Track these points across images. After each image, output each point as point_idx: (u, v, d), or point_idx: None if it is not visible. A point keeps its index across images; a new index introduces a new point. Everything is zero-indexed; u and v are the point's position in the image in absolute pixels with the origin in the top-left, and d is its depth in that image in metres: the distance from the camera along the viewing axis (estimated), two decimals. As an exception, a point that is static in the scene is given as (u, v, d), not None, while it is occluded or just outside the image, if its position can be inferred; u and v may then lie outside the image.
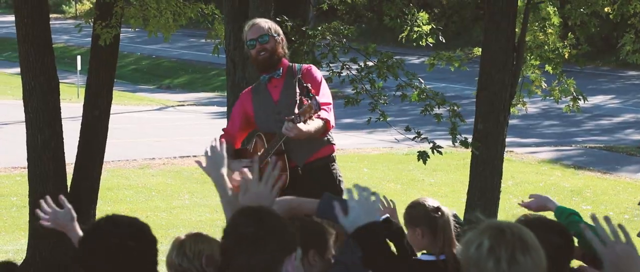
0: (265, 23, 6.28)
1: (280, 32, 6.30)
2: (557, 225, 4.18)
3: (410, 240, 4.77)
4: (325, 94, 6.12)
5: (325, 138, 6.20)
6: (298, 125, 5.63)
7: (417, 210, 4.84)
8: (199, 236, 4.17)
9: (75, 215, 4.46)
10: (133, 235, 3.44)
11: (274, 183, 3.91)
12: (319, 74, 6.30)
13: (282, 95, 6.22)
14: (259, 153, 6.16)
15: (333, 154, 6.29)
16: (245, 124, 6.42)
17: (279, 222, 3.37)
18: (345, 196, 3.79)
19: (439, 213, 4.78)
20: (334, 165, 6.27)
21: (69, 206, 4.47)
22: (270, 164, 4.49)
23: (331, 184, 6.08)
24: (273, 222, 3.35)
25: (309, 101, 5.66)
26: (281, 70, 6.25)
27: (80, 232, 4.29)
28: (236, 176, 5.32)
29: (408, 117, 21.62)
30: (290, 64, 6.34)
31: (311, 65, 6.46)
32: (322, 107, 5.84)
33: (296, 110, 5.67)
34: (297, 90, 6.00)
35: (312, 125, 5.75)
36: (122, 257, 3.40)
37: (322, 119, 5.88)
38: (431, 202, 4.85)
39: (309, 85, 5.82)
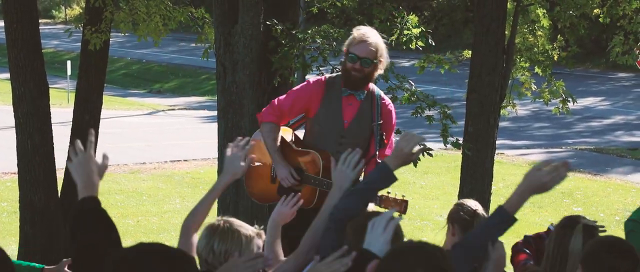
0: (375, 45, 6.00)
1: (385, 55, 6.06)
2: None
3: (446, 235, 5.07)
4: (391, 144, 6.03)
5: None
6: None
7: (454, 209, 5.13)
8: (229, 231, 4.03)
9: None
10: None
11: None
12: (394, 117, 6.23)
13: (353, 123, 6.09)
14: (303, 163, 6.05)
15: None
16: (301, 112, 6.23)
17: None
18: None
19: (470, 217, 4.98)
20: None
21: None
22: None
23: None
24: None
25: (403, 202, 5.59)
26: (364, 94, 6.12)
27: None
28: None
29: (399, 120, 21.50)
30: (372, 87, 6.17)
31: (392, 105, 6.30)
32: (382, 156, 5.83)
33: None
34: (377, 138, 5.97)
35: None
36: None
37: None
38: (471, 205, 5.07)
39: (384, 134, 5.91)
